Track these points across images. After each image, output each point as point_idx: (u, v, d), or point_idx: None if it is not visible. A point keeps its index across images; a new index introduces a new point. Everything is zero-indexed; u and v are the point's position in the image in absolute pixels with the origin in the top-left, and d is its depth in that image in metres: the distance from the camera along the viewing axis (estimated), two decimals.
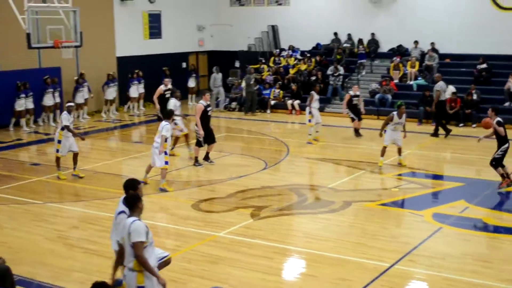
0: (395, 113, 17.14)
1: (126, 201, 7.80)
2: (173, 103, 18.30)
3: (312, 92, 20.63)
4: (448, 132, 21.63)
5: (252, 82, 27.38)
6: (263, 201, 14.23)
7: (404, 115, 17.17)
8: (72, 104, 16.61)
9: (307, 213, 13.52)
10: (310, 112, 20.33)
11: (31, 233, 12.17)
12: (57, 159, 16.14)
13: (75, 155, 16.23)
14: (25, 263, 10.51)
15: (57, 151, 16.04)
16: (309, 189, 15.25)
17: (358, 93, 21.79)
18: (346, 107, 21.41)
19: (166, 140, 14.78)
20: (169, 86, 20.37)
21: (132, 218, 7.44)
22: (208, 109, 17.18)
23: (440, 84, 22.52)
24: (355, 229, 12.51)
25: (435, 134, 21.79)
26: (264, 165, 17.71)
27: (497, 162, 14.87)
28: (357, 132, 21.57)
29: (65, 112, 16.07)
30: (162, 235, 12.01)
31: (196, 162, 17.42)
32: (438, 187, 15.95)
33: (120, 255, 7.69)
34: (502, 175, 14.94)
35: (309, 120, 20.41)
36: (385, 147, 17.23)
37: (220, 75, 29.07)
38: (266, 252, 11.08)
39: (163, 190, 14.93)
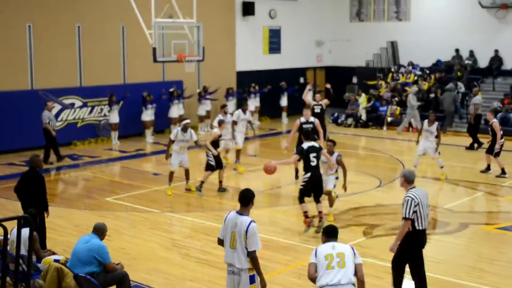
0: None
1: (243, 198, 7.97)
2: (236, 115, 18.88)
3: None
4: (480, 144, 21.93)
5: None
6: (376, 219, 14.12)
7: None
8: (187, 121, 16.49)
9: None
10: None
11: (148, 241, 12.65)
12: (170, 173, 16.36)
13: (186, 171, 16.48)
14: (141, 270, 10.94)
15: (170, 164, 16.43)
16: None
17: None
18: None
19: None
20: (320, 102, 20.39)
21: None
22: (305, 126, 16.96)
23: (478, 98, 22.99)
24: (470, 252, 12.17)
25: (471, 147, 22.24)
26: (379, 182, 17.54)
27: (301, 195, 12.90)
28: None
29: (178, 128, 16.35)
30: (273, 248, 12.14)
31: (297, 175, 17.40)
32: None
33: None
34: (305, 213, 12.93)
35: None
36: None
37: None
38: (377, 271, 10.96)
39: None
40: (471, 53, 29.26)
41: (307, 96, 20.36)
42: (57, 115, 22.54)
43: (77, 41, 23.44)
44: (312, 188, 12.88)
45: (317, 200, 12.99)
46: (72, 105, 22.99)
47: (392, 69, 30.64)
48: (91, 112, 23.64)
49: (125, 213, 14.79)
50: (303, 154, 12.84)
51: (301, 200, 12.90)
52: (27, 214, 9.42)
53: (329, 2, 33.21)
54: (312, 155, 12.83)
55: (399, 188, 16.84)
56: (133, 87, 24.68)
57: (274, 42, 31.00)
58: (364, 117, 28.18)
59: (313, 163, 12.84)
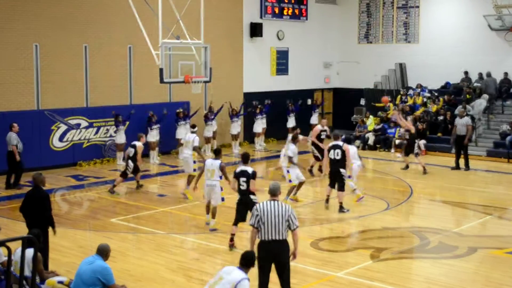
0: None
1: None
2: (292, 149, 17.13)
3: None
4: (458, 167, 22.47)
5: None
6: (384, 243, 13.93)
7: None
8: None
9: (429, 257, 13.09)
10: None
11: (153, 262, 12.50)
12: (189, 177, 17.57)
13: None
14: None
15: (194, 170, 17.54)
16: (432, 233, 14.75)
17: None
18: None
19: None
20: (326, 127, 20.20)
21: None
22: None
23: (467, 119, 22.79)
24: (479, 277, 11.97)
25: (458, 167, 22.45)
26: (386, 205, 17.37)
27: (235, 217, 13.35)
28: None
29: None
30: None
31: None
32: None
33: None
34: (232, 235, 13.41)
35: None
36: None
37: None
38: None
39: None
40: (480, 76, 29.13)
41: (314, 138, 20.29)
42: (62, 135, 22.53)
43: (84, 61, 23.45)
44: (242, 211, 12.95)
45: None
46: (78, 125, 22.95)
47: (401, 91, 30.53)
48: (97, 132, 23.59)
49: (130, 235, 14.67)
50: (235, 177, 13.06)
51: (235, 222, 13.13)
52: (31, 234, 9.32)
53: (337, 24, 33.24)
54: (242, 179, 12.92)
55: (406, 211, 16.85)
56: (139, 108, 24.63)
57: (282, 63, 30.98)
58: (371, 139, 28.04)
59: (242, 187, 12.94)
